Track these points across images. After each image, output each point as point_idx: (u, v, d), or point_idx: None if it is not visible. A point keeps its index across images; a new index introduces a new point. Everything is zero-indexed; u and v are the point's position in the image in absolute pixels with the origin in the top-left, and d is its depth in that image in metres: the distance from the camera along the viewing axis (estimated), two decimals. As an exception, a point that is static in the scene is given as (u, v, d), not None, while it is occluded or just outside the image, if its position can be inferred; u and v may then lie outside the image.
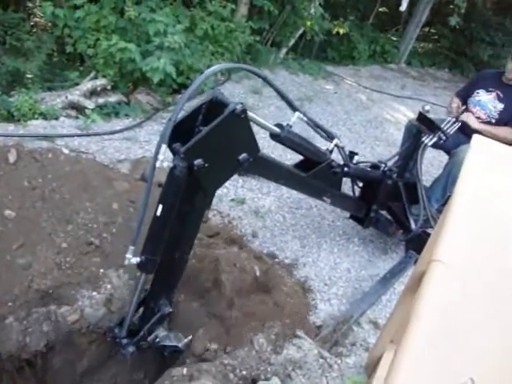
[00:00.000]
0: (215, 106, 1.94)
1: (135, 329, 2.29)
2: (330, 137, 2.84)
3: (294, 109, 2.51)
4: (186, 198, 1.97)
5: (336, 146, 2.87)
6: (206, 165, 1.87)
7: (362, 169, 3.30)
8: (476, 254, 0.83)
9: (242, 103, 1.91)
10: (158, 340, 2.29)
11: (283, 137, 2.42)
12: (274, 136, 2.43)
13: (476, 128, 3.50)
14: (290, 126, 2.49)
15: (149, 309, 2.28)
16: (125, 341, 2.24)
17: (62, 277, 2.55)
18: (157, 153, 1.78)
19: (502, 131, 3.50)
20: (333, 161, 2.85)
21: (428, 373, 0.57)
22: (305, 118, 2.58)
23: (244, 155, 2.06)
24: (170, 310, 2.27)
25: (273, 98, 6.16)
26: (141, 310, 2.33)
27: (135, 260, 1.97)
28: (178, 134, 1.83)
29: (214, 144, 1.91)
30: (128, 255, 1.95)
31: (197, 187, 2.00)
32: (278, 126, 2.43)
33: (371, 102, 7.19)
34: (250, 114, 2.00)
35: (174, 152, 1.86)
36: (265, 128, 2.31)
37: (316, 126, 2.72)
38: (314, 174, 2.76)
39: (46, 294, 2.48)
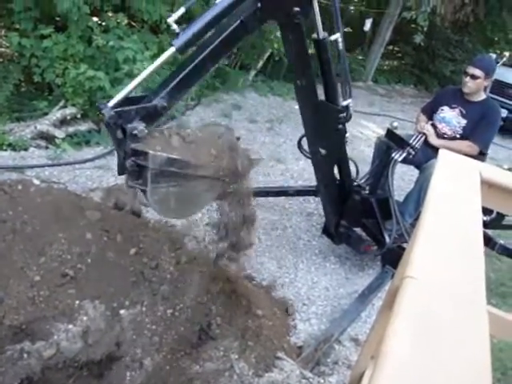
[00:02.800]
0: None
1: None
2: (349, 95, 2.82)
3: (339, 28, 2.57)
4: None
5: (348, 106, 2.84)
6: None
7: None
8: (447, 269, 0.84)
9: None
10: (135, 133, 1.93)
11: (324, 42, 2.53)
12: (316, 39, 2.55)
13: (433, 144, 3.64)
14: (331, 41, 2.56)
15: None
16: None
17: (36, 311, 2.48)
18: None
19: (457, 145, 3.59)
20: (342, 112, 2.82)
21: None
22: (341, 47, 2.61)
23: (297, 9, 2.13)
24: (165, 105, 1.98)
25: (243, 121, 6.21)
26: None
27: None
28: None
29: None
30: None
31: None
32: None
33: (340, 121, 7.30)
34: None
35: None
36: (316, 23, 2.44)
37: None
38: (325, 107, 2.75)
39: (20, 329, 2.41)
